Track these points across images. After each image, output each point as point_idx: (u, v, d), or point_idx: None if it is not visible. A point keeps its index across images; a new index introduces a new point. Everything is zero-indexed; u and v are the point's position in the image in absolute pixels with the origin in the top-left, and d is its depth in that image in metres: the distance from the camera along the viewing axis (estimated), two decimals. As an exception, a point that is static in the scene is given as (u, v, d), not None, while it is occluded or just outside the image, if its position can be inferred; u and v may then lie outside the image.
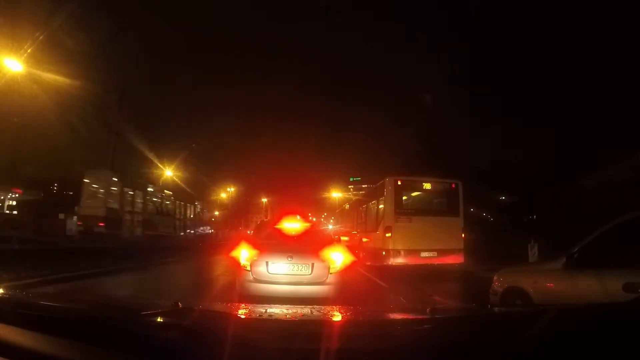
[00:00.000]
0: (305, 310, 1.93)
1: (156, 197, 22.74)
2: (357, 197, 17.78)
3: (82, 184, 17.91)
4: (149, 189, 21.87)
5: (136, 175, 21.47)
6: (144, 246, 14.51)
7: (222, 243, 19.19)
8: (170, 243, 18.51)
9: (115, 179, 18.73)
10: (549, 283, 3.33)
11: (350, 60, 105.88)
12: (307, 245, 5.07)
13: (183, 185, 25.61)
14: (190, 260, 13.14)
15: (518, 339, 1.08)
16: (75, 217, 17.74)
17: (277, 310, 1.81)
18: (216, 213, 41.81)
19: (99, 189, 18.32)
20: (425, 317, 1.53)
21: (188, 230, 27.08)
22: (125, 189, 19.19)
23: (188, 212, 27.35)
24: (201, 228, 30.51)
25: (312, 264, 4.72)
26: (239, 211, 46.50)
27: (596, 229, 3.04)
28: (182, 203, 26.21)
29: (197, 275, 9.89)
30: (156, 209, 22.44)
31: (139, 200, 20.40)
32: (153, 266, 10.55)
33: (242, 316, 1.62)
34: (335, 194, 39.72)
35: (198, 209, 29.91)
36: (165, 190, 23.67)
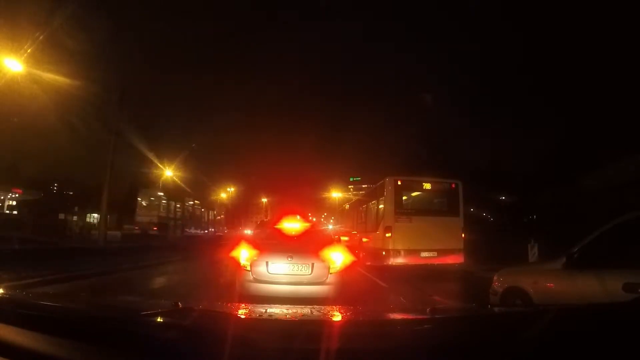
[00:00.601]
0: (305, 310, 1.92)
1: (189, 205, 29.88)
2: (357, 197, 17.76)
3: (135, 199, 25.53)
4: (184, 200, 29.06)
5: (175, 189, 27.64)
6: (183, 245, 18.37)
7: (223, 243, 19.48)
8: (187, 242, 22.45)
9: (161, 194, 25.71)
10: (549, 283, 3.32)
11: (350, 60, 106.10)
12: (307, 245, 5.07)
13: (184, 186, 27.65)
14: (189, 261, 13.16)
15: (518, 339, 1.08)
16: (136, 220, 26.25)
17: (277, 310, 1.81)
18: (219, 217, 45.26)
19: (150, 203, 25.63)
20: (425, 317, 1.53)
21: (210, 229, 35.43)
22: (170, 201, 26.89)
23: (210, 215, 36.15)
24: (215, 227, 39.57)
25: (312, 264, 4.71)
26: (239, 211, 47.01)
27: (596, 229, 3.03)
28: (206, 210, 34.20)
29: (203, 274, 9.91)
30: (189, 215, 29.92)
31: (178, 210, 27.68)
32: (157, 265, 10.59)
33: (242, 316, 1.62)
34: (335, 194, 39.71)
35: (215, 213, 39.38)
36: (195, 200, 31.24)
